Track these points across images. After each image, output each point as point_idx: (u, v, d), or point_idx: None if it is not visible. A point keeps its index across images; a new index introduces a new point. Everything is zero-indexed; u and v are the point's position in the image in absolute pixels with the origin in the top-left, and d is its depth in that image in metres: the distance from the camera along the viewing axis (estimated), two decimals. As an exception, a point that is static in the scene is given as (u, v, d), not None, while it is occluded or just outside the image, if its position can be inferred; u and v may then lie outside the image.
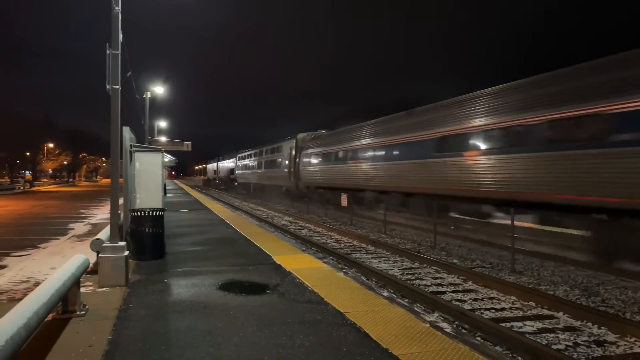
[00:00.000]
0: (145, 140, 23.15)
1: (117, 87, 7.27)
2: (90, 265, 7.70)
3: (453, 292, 8.89)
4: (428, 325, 5.29)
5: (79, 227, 16.73)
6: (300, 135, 31.51)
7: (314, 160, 27.78)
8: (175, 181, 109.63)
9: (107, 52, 7.18)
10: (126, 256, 7.25)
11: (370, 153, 20.85)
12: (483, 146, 13.72)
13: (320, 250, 13.17)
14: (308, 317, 5.54)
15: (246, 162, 43.07)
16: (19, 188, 58.22)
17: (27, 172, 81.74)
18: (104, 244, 7.30)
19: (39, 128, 72.97)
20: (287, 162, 32.43)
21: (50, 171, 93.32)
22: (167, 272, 8.16)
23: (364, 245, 14.31)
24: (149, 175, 10.65)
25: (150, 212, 9.22)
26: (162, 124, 41.45)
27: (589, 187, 10.32)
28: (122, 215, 9.81)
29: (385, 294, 6.93)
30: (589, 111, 10.39)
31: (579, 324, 7.03)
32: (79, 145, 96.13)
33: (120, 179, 8.92)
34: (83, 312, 5.71)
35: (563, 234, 11.76)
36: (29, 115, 74.43)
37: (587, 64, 11.42)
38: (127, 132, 9.82)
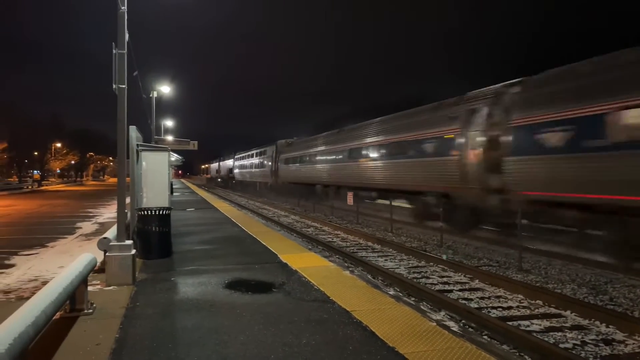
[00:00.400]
0: (152, 139, 23.26)
1: (124, 86, 7.30)
2: (98, 264, 7.75)
3: (460, 290, 8.86)
4: (434, 324, 5.27)
5: (87, 226, 16.83)
6: (280, 142, 37.68)
7: (286, 162, 35.02)
8: (182, 180, 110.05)
9: (114, 51, 7.20)
10: (133, 255, 7.28)
11: (318, 157, 28.30)
12: (370, 155, 21.13)
13: (327, 249, 13.17)
14: (314, 316, 5.54)
15: (242, 162, 48.79)
16: (27, 187, 58.66)
17: (35, 171, 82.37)
18: (111, 243, 7.35)
19: (47, 128, 73.52)
20: (270, 163, 39.04)
21: (58, 171, 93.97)
22: (174, 271, 8.19)
23: (370, 243, 14.30)
24: (156, 174, 10.68)
25: (157, 211, 9.26)
26: (169, 123, 41.64)
27: (409, 180, 17.53)
28: (129, 214, 9.86)
29: (392, 292, 6.92)
30: (404, 138, 18.12)
31: (587, 323, 6.99)
32: (86, 144, 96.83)
33: (127, 178, 8.98)
34: (91, 311, 5.75)
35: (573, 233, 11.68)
36: (37, 116, 75.09)
37: (411, 110, 19.18)
38: (133, 131, 9.86)
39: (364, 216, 21.28)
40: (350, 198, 22.24)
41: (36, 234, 14.58)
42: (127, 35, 7.68)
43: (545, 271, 10.35)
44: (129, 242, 7.39)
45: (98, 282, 7.31)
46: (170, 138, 32.10)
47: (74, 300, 5.69)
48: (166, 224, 9.51)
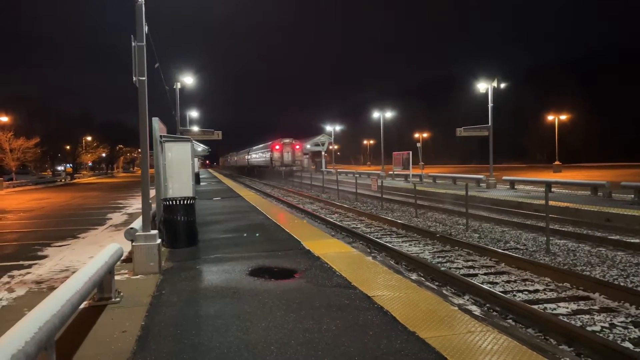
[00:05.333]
0: (177, 130, 23.58)
1: (144, 78, 7.40)
2: (126, 253, 7.96)
3: (485, 274, 8.76)
4: (456, 308, 5.24)
5: (117, 217, 17.23)
6: (270, 142, 54.57)
7: (264, 155, 56.95)
8: (210, 170, 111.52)
9: (133, 44, 7.30)
10: (158, 244, 7.44)
11: (248, 155, 68.21)
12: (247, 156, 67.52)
13: (350, 235, 13.18)
14: (335, 302, 5.57)
15: (253, 154, 65.83)
16: (61, 180, 60.35)
17: (68, 165, 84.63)
18: (137, 233, 7.52)
19: (77, 122, 75.36)
20: (268, 155, 53.51)
21: (90, 164, 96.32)
22: (199, 259, 8.34)
23: (394, 229, 14.24)
24: (180, 165, 10.85)
25: (182, 201, 9.41)
26: (194, 114, 42.07)
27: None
28: (153, 205, 10.05)
29: (414, 277, 6.90)
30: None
31: (616, 305, 6.83)
32: (116, 137, 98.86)
33: (151, 170, 9.13)
34: (118, 299, 5.91)
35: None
36: (67, 111, 76.96)
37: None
38: (156, 122, 10.00)
39: (387, 202, 21.19)
40: (374, 183, 22.13)
41: (68, 226, 15.01)
42: (146, 28, 7.76)
43: (574, 253, 10.13)
44: (154, 232, 7.55)
45: (126, 271, 7.51)
46: (196, 129, 32.50)
47: (102, 289, 5.86)
48: (191, 213, 9.67)
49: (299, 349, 4.20)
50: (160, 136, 10.15)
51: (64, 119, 70.27)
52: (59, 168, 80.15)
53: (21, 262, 9.21)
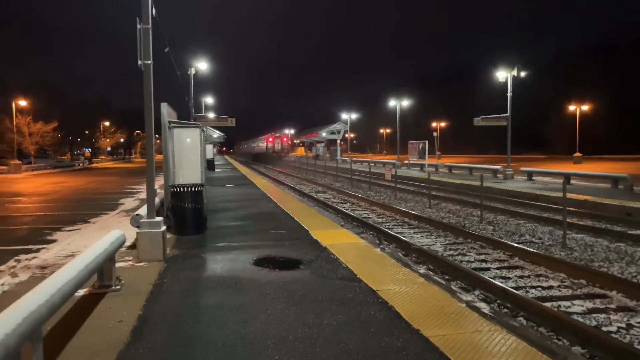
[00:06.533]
0: (190, 116, 23.52)
1: (149, 62, 7.24)
2: (133, 240, 7.89)
3: (497, 268, 8.50)
4: (464, 305, 5.03)
5: (129, 202, 17.27)
6: (266, 135, 74.24)
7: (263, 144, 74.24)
8: (225, 156, 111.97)
9: (138, 26, 7.13)
10: (163, 232, 7.34)
11: (253, 144, 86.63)
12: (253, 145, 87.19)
13: (360, 225, 12.97)
14: (339, 295, 5.40)
15: (259, 143, 79.92)
16: (79, 165, 61.15)
17: (87, 149, 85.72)
18: (141, 220, 7.42)
19: (95, 107, 76.10)
20: (265, 143, 71.87)
21: (109, 149, 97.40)
22: (205, 247, 8.24)
23: (406, 219, 13.99)
24: (188, 151, 10.69)
25: (190, 188, 9.31)
26: (209, 100, 42.06)
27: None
28: (158, 191, 9.95)
29: (422, 271, 6.68)
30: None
31: (634, 304, 6.53)
32: (133, 123, 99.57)
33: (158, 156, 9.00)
34: (118, 287, 5.82)
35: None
36: (86, 96, 77.75)
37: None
38: (164, 108, 9.85)
39: (401, 192, 20.91)
40: (388, 173, 21.84)
41: (80, 210, 15.08)
42: (154, 10, 7.59)
43: (591, 248, 9.80)
44: (159, 219, 7.44)
45: (131, 258, 7.43)
46: (212, 115, 32.48)
47: (102, 277, 5.78)
48: (199, 200, 9.56)
49: (296, 345, 4.04)
50: (169, 122, 10.01)
51: (83, 104, 70.98)
52: (78, 152, 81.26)
53: (29, 246, 9.22)
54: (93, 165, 65.69)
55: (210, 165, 35.81)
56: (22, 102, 45.65)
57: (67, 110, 62.47)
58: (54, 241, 9.84)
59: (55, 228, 11.45)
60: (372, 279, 6.01)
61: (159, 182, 14.20)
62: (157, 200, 9.46)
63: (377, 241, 10.28)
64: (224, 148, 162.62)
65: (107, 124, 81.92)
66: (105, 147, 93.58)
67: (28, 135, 49.61)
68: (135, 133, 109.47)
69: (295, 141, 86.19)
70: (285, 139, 71.96)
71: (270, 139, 70.71)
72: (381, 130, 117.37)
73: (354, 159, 47.99)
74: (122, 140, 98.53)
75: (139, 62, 7.18)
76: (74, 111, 65.27)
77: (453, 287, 6.08)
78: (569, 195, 11.79)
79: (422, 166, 34.38)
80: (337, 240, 8.54)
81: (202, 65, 24.93)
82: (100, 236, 9.09)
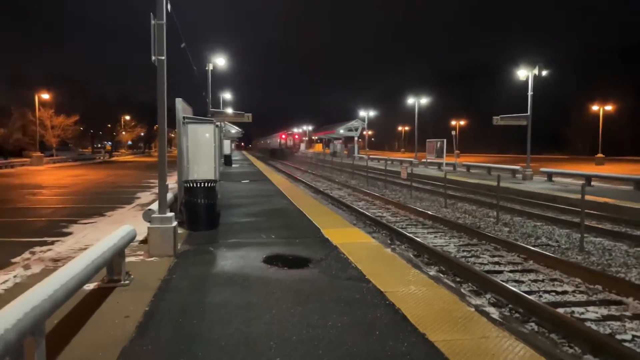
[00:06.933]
0: (208, 112, 23.65)
1: (163, 57, 7.26)
2: (145, 235, 7.94)
3: (511, 271, 8.35)
4: (473, 309, 4.93)
5: (145, 196, 17.44)
6: (279, 132, 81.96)
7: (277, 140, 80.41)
8: (243, 152, 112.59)
9: (152, 22, 7.15)
10: (174, 227, 7.37)
11: (269, 140, 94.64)
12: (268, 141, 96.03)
13: (374, 224, 12.88)
14: (346, 296, 5.35)
15: (274, 140, 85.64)
16: (99, 158, 62.07)
17: (108, 143, 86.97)
18: (153, 215, 7.46)
19: (116, 101, 77.15)
20: (278, 140, 78.22)
21: (130, 142, 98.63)
22: (216, 243, 8.26)
23: (420, 219, 13.86)
24: (203, 147, 10.76)
25: (203, 184, 9.34)
26: (227, 96, 42.26)
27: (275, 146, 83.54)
28: (170, 186, 10.00)
29: (432, 272, 6.60)
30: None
31: (652, 313, 6.35)
32: (153, 117, 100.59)
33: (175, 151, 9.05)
34: (127, 282, 5.85)
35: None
36: (106, 91, 78.87)
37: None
38: (179, 103, 9.91)
39: (417, 191, 20.73)
40: (403, 171, 21.68)
41: (98, 203, 15.27)
42: (169, 6, 7.61)
43: (609, 253, 9.57)
44: (170, 214, 7.48)
45: (142, 252, 7.49)
46: (230, 111, 32.66)
47: (111, 271, 5.82)
48: (212, 196, 9.59)
49: (298, 347, 4.00)
50: (183, 117, 10.06)
51: (103, 98, 72.04)
52: (99, 145, 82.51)
53: (45, 239, 9.35)
54: (113, 158, 66.62)
55: (227, 160, 36.02)
56: (45, 96, 46.47)
57: (89, 103, 63.51)
58: (69, 234, 9.97)
59: (72, 221, 11.61)
60: (381, 279, 5.94)
61: (174, 177, 14.31)
62: (170, 195, 9.54)
63: (389, 241, 10.20)
64: (242, 144, 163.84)
65: (127, 117, 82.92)
66: (126, 141, 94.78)
67: (50, 128, 50.51)
68: (155, 127, 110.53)
69: (313, 137, 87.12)
70: (296, 137, 79.64)
71: (283, 136, 77.86)
72: (400, 128, 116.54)
73: (371, 156, 47.86)
74: (142, 134, 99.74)
75: (153, 57, 7.21)
76: (95, 105, 66.33)
77: (463, 290, 6.00)
78: (588, 197, 11.54)
79: (439, 165, 34.06)
80: (348, 239, 8.48)
81: (220, 61, 25.02)
82: (114, 230, 9.19)
